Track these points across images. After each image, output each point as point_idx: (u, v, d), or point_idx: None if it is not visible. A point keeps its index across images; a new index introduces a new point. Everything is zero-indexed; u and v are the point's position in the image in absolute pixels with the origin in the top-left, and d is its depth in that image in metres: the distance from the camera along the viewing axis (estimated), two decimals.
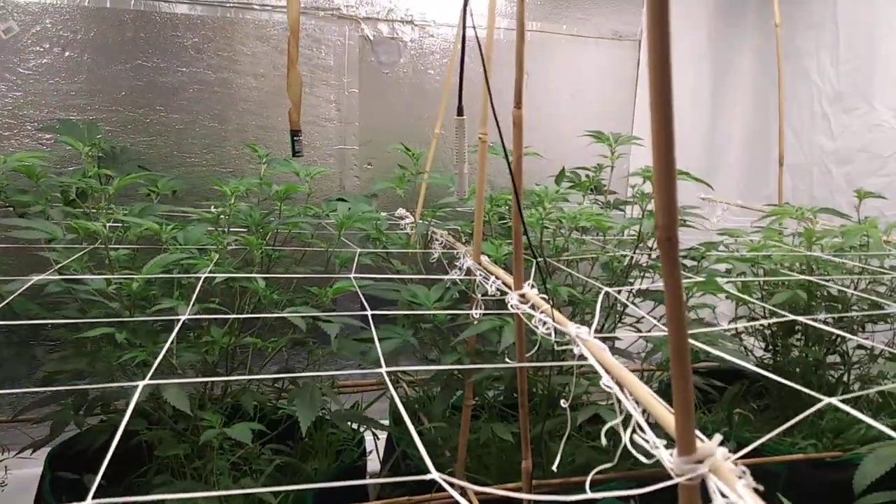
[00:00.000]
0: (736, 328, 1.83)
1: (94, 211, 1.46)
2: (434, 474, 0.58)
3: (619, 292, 1.56)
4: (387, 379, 0.80)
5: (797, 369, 1.83)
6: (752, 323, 1.82)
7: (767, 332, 1.91)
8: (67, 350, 1.35)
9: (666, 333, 1.10)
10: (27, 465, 1.49)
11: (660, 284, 1.63)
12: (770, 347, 1.93)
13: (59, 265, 1.22)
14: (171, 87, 2.22)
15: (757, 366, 1.95)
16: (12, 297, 1.06)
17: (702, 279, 1.39)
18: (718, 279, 1.52)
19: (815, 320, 1.48)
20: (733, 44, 2.95)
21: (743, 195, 2.89)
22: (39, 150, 2.07)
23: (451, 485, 0.57)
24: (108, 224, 1.33)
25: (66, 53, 2.11)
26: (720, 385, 1.74)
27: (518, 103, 1.11)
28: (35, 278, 1.13)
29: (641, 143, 1.81)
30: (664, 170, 0.56)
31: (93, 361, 1.24)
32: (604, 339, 1.60)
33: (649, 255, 1.69)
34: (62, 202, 1.55)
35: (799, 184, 2.70)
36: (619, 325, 1.69)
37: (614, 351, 1.61)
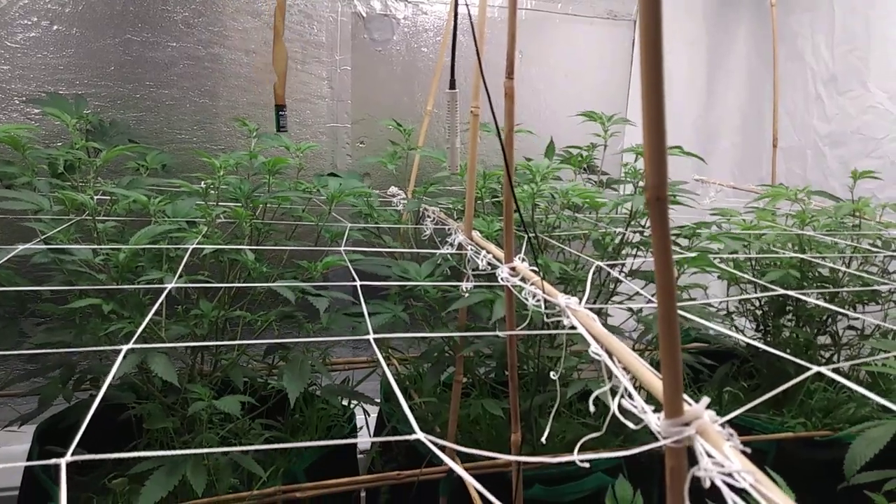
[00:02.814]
0: (727, 308, 1.84)
1: (83, 184, 1.45)
2: (419, 434, 0.57)
3: (612, 267, 1.55)
4: (376, 348, 0.79)
5: (788, 350, 1.84)
6: (743, 296, 1.82)
7: (758, 312, 1.91)
8: (55, 323, 1.34)
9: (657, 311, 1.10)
10: (16, 440, 1.48)
11: (652, 262, 1.63)
12: (761, 328, 1.93)
13: (46, 236, 1.21)
14: (161, 63, 2.19)
15: (747, 346, 1.96)
16: None
17: (693, 255, 1.39)
18: (708, 251, 1.52)
19: (805, 295, 1.48)
20: (729, 26, 2.93)
21: (737, 177, 2.89)
22: (28, 123, 2.05)
23: (437, 446, 0.56)
24: (95, 196, 1.32)
25: (55, 27, 2.08)
26: (711, 364, 1.75)
27: (510, 74, 1.10)
28: (21, 247, 1.12)
29: (634, 124, 1.80)
30: (654, 129, 0.55)
31: (80, 333, 1.23)
32: (597, 312, 1.60)
33: (641, 232, 1.69)
34: (49, 174, 1.53)
35: (793, 166, 2.70)
36: (611, 302, 1.69)
37: (607, 328, 1.61)
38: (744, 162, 2.97)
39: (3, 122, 2.04)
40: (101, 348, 1.01)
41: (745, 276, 1.68)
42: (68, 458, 0.50)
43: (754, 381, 1.95)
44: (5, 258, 1.05)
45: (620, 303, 1.70)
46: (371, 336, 0.81)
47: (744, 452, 0.56)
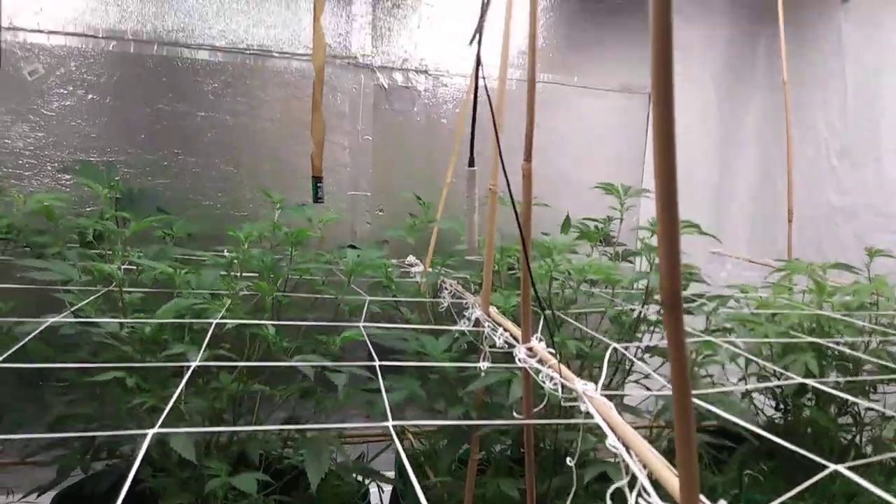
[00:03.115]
0: (746, 388, 1.82)
1: (111, 253, 1.48)
2: None
3: (626, 348, 1.55)
4: (393, 434, 0.80)
5: (808, 430, 1.81)
6: (761, 385, 1.81)
7: (778, 391, 1.90)
8: (77, 393, 1.36)
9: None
10: None
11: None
12: (780, 407, 1.91)
13: (75, 308, 1.24)
14: (189, 131, 2.27)
15: (767, 426, 1.93)
16: (28, 338, 1.07)
17: (707, 338, 1.39)
18: (723, 339, 1.52)
19: (824, 383, 1.47)
20: (741, 99, 2.99)
21: (752, 249, 2.89)
22: (59, 189, 2.11)
23: None
24: (123, 266, 1.35)
25: (89, 96, 2.16)
26: (730, 445, 1.72)
27: (528, 157, 1.13)
28: (50, 320, 1.14)
29: (650, 196, 1.82)
30: (667, 235, 0.57)
31: (102, 405, 1.25)
32: (611, 397, 1.59)
33: (658, 309, 1.69)
34: (79, 243, 1.58)
35: (808, 238, 2.71)
36: (628, 380, 1.68)
37: (623, 407, 1.61)
38: (759, 233, 2.98)
39: (36, 187, 2.11)
40: (127, 432, 1.02)
41: (763, 358, 1.67)
42: None
43: (775, 462, 1.91)
44: (36, 331, 1.08)
45: (637, 381, 1.70)
46: (390, 423, 0.82)
47: None
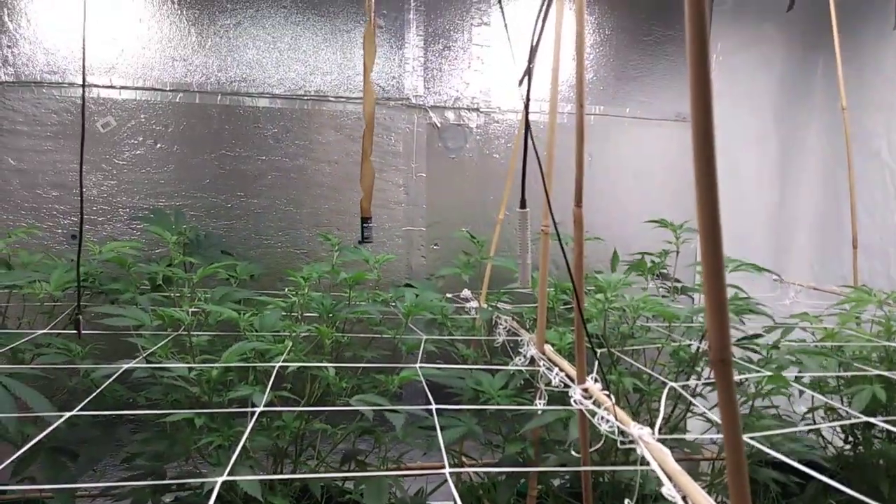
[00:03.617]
0: (807, 428, 1.77)
1: (179, 296, 1.56)
2: None
3: (684, 387, 1.54)
4: (449, 479, 0.82)
5: (880, 461, 1.74)
6: (828, 424, 1.76)
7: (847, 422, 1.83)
8: (149, 431, 1.42)
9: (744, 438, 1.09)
10: None
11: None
12: (850, 440, 1.85)
13: (148, 352, 1.30)
14: (251, 175, 2.37)
15: (836, 458, 1.87)
16: (106, 384, 1.14)
17: (770, 373, 1.37)
18: (790, 370, 1.49)
19: (893, 423, 1.42)
20: (799, 124, 2.94)
21: (816, 276, 2.82)
22: (131, 234, 2.22)
23: None
24: (190, 310, 1.42)
25: (158, 145, 2.28)
26: (799, 480, 1.67)
27: (578, 202, 1.15)
28: (124, 366, 1.21)
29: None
30: (714, 291, 0.58)
31: (172, 444, 1.30)
32: (670, 436, 1.57)
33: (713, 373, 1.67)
34: (150, 288, 1.66)
35: (875, 265, 2.62)
36: (689, 415, 1.66)
37: (683, 443, 1.59)
38: (823, 260, 2.90)
39: (108, 232, 2.23)
40: (198, 480, 1.07)
41: (830, 390, 1.62)
42: None
43: (847, 497, 1.84)
44: (112, 377, 1.15)
45: (699, 414, 1.67)
46: (447, 470, 0.84)
47: None
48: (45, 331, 1.39)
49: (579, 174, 1.15)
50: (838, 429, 1.90)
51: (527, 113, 1.25)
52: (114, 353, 1.34)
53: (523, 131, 1.44)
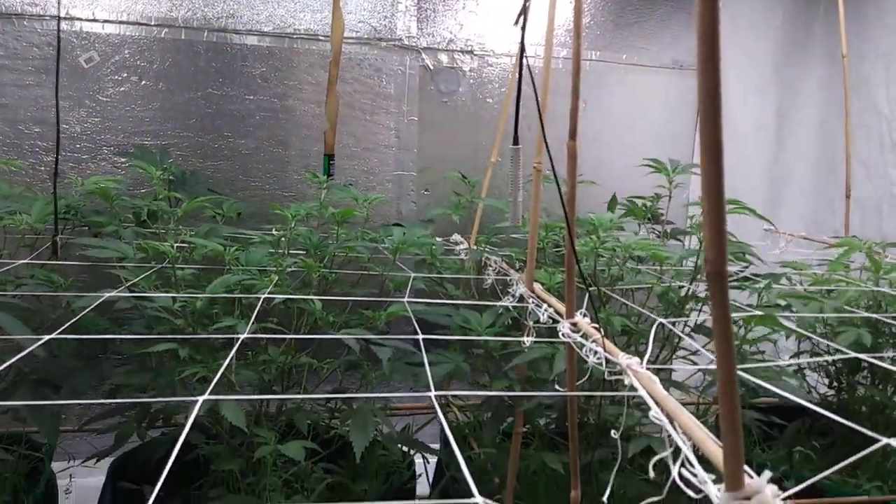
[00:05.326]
0: (798, 364, 1.78)
1: (164, 231, 1.53)
2: (477, 498, 0.59)
3: (673, 324, 1.53)
4: (436, 404, 0.81)
5: (863, 407, 1.76)
6: (814, 359, 1.76)
7: (832, 368, 1.85)
8: (133, 364, 1.41)
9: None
10: (91, 474, 1.55)
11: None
12: (834, 385, 1.86)
13: (130, 283, 1.28)
14: (238, 115, 2.31)
15: (820, 404, 1.88)
16: (85, 311, 1.12)
17: (760, 313, 1.36)
18: (778, 314, 1.49)
19: (881, 359, 1.43)
20: (799, 74, 2.89)
21: (809, 228, 2.81)
22: (115, 173, 2.18)
23: None
24: (175, 244, 1.39)
25: (143, 82, 2.22)
26: (781, 422, 1.69)
27: (573, 135, 1.12)
28: (106, 294, 1.19)
29: (699, 172, 1.79)
30: (713, 203, 0.56)
31: (156, 376, 1.29)
32: (658, 371, 1.57)
33: (707, 287, 1.66)
34: (134, 223, 1.63)
35: (868, 218, 2.61)
36: (675, 357, 1.66)
37: (670, 383, 1.59)
38: (816, 212, 2.89)
39: (93, 170, 2.19)
40: (179, 399, 1.06)
41: (817, 334, 1.63)
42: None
43: (828, 440, 1.87)
44: (93, 305, 1.13)
45: (684, 358, 1.67)
46: (433, 393, 0.83)
47: None
48: (25, 261, 1.37)
49: (574, 106, 1.12)
50: (823, 375, 1.92)
51: (523, 42, 1.21)
52: (97, 286, 1.32)
53: (518, 66, 1.40)
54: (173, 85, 2.25)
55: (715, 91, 0.51)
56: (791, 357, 1.85)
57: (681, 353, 1.71)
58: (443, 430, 1.83)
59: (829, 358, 1.69)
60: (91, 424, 1.43)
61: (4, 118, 2.10)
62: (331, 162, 1.89)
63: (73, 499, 1.62)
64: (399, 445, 1.59)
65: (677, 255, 1.66)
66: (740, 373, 1.05)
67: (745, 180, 2.86)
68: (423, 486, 1.76)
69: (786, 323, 1.43)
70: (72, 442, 1.66)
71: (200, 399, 0.76)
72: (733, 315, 1.51)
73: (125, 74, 2.21)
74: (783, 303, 1.60)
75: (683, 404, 1.49)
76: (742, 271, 1.72)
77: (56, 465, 1.62)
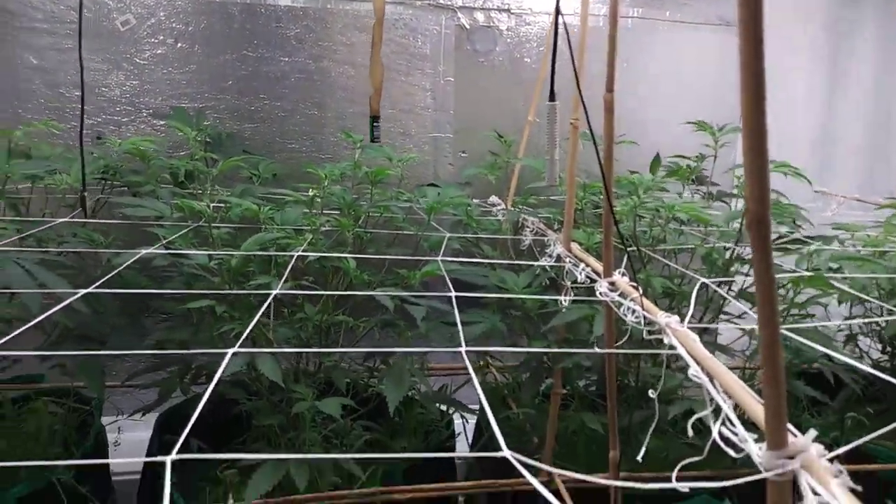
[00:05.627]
0: (850, 326, 1.72)
1: (200, 192, 1.54)
2: (505, 452, 0.57)
3: (718, 286, 1.49)
4: (466, 360, 0.79)
5: None
6: (866, 320, 1.70)
7: (885, 333, 1.78)
8: (174, 322, 1.43)
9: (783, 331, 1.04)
10: (139, 427, 1.59)
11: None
12: (888, 350, 1.80)
13: (166, 240, 1.29)
14: (274, 77, 2.30)
15: (872, 369, 1.82)
16: (122, 266, 1.13)
17: (808, 274, 1.31)
18: (829, 277, 1.43)
19: None
20: (851, 31, 2.75)
21: (863, 189, 2.70)
22: (155, 135, 2.19)
23: (523, 464, 0.56)
24: (211, 204, 1.40)
25: (179, 44, 2.22)
26: (831, 389, 1.64)
27: (610, 87, 1.08)
28: (143, 251, 1.20)
29: None
30: (754, 148, 0.53)
31: (196, 332, 1.31)
32: (702, 331, 1.54)
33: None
34: (172, 183, 1.64)
35: None
36: (720, 320, 1.62)
37: (715, 346, 1.55)
38: (871, 173, 2.78)
39: (133, 132, 2.20)
40: (207, 351, 1.07)
41: (867, 298, 1.56)
42: (173, 456, 0.53)
43: (882, 406, 1.81)
44: (129, 261, 1.14)
45: (729, 321, 1.63)
46: (463, 349, 0.81)
47: (854, 491, 0.52)
48: (65, 219, 1.39)
49: (611, 57, 1.08)
50: (876, 341, 1.85)
51: None
52: (136, 245, 1.33)
53: (555, 18, 1.36)
54: (209, 47, 2.24)
55: (757, 14, 0.48)
56: (843, 319, 1.78)
57: (726, 316, 1.67)
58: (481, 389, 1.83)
59: (882, 319, 1.62)
60: (134, 380, 1.46)
61: (45, 81, 2.12)
62: (375, 124, 1.87)
63: (122, 451, 1.66)
64: (437, 405, 1.59)
65: (723, 215, 1.61)
66: (787, 333, 1.01)
67: (794, 141, 2.75)
68: (462, 445, 1.76)
69: (836, 286, 1.37)
70: (121, 398, 1.69)
71: (230, 352, 0.76)
72: (780, 276, 1.47)
73: (161, 37, 2.21)
74: (834, 265, 1.54)
75: (728, 368, 1.45)
76: (791, 233, 1.66)
77: (105, 420, 1.67)
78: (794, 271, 1.43)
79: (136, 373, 1.44)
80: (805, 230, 1.70)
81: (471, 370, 0.86)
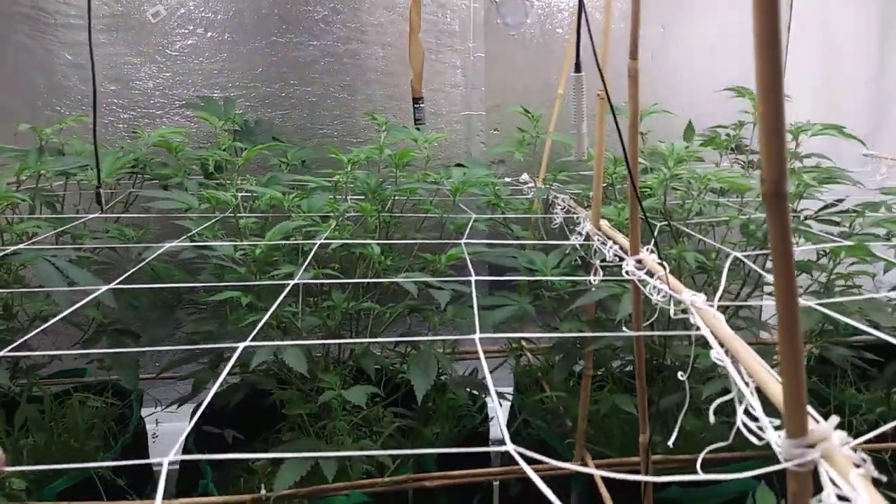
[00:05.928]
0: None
1: (228, 182, 1.55)
2: (509, 446, 0.55)
3: (755, 259, 1.43)
4: (479, 347, 0.78)
5: None
6: None
7: None
8: (206, 313, 1.45)
9: (808, 304, 0.99)
10: (175, 418, 1.62)
11: (802, 251, 1.49)
12: None
13: (192, 232, 1.30)
14: (303, 61, 2.30)
15: None
16: (147, 260, 1.15)
17: (849, 243, 1.25)
18: (875, 244, 1.36)
19: None
20: None
21: None
22: (188, 127, 2.22)
23: (523, 457, 0.54)
24: (239, 194, 1.40)
25: (209, 34, 2.23)
26: (878, 361, 1.57)
27: (633, 54, 1.03)
28: (168, 245, 1.21)
29: (789, 98, 1.64)
30: (770, 115, 0.49)
31: (223, 323, 1.32)
32: (738, 308, 1.48)
33: (797, 217, 1.54)
34: (202, 174, 1.66)
35: None
36: (758, 294, 1.56)
37: (752, 322, 1.50)
38: None
39: (167, 125, 2.23)
40: (222, 346, 1.08)
41: None
42: (171, 457, 0.53)
43: None
44: (153, 255, 1.15)
45: (770, 294, 1.56)
46: (477, 336, 0.80)
47: (876, 482, 0.49)
48: (95, 215, 1.41)
49: (635, 21, 1.03)
50: None
51: None
52: (167, 237, 1.35)
53: None
54: (238, 35, 2.25)
55: None
56: (891, 288, 1.70)
57: (767, 290, 1.61)
58: (515, 373, 1.81)
59: None
60: (168, 371, 1.49)
61: (80, 77, 2.16)
62: (417, 106, 1.85)
63: (161, 442, 1.70)
64: (468, 389, 1.58)
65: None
66: (821, 309, 0.96)
67: (842, 99, 2.62)
68: (496, 429, 1.75)
69: (883, 254, 1.30)
70: (161, 389, 1.73)
71: (241, 346, 0.76)
72: (820, 246, 1.40)
73: (191, 27, 2.22)
74: (881, 232, 1.46)
75: (766, 344, 1.40)
76: (836, 203, 1.58)
77: (145, 412, 1.71)
78: (835, 239, 1.36)
79: (169, 365, 1.47)
80: (851, 196, 1.62)
81: (482, 356, 0.85)
